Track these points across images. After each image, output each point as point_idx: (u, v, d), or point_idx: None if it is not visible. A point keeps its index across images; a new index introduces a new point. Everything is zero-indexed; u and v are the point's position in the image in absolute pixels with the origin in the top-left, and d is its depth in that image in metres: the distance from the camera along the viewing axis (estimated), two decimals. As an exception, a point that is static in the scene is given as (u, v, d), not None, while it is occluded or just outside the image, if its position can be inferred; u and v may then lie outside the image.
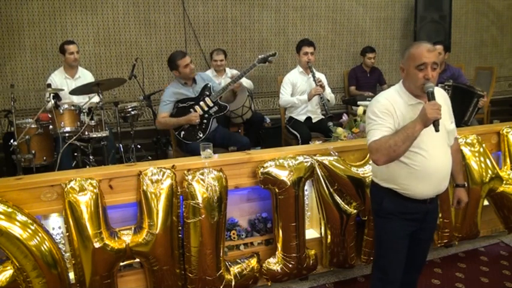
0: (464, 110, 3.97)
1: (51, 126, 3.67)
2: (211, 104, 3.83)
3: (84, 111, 3.74)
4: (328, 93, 4.36)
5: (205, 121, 3.83)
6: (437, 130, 1.93)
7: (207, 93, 3.86)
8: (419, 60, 1.97)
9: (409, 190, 2.07)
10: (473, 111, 3.96)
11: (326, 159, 2.72)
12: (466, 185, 2.36)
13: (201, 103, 3.83)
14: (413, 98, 2.06)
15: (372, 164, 2.21)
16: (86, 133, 3.67)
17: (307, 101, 4.30)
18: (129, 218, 2.54)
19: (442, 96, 2.15)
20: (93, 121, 3.73)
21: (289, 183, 2.60)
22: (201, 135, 3.80)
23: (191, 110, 3.81)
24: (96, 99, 4.21)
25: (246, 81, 4.76)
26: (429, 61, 1.97)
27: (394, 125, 2.02)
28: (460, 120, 3.92)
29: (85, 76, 4.37)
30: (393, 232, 2.14)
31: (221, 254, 2.56)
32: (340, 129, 3.42)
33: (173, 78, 3.96)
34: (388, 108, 2.02)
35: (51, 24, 4.85)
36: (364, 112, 2.84)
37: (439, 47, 4.51)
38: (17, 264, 2.19)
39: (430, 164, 2.03)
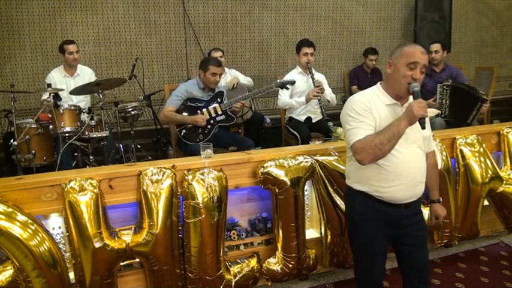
0: (468, 112, 3.94)
1: (51, 126, 3.67)
2: (219, 112, 3.82)
3: (84, 110, 3.74)
4: (329, 94, 4.34)
5: (209, 126, 3.81)
6: (423, 127, 1.96)
7: (219, 100, 3.85)
8: (412, 58, 1.95)
9: (381, 192, 2.02)
10: (476, 114, 3.94)
11: (326, 159, 2.72)
12: (441, 200, 2.28)
13: (210, 108, 3.81)
14: (390, 98, 2.04)
15: (347, 166, 2.19)
16: (86, 133, 3.67)
17: (305, 103, 4.29)
18: (129, 218, 2.54)
19: None
20: (93, 121, 3.73)
21: (289, 183, 2.60)
22: (202, 138, 3.78)
23: (198, 111, 3.80)
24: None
25: (245, 79, 4.75)
26: (421, 62, 1.96)
27: (375, 122, 1.99)
28: (463, 122, 3.91)
29: (84, 73, 4.36)
30: (368, 237, 2.08)
31: (221, 254, 2.56)
32: (340, 129, 3.41)
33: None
34: (367, 106, 2.00)
35: (51, 24, 4.85)
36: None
37: (436, 45, 4.53)
38: (17, 264, 2.19)
39: (404, 166, 1.99)
